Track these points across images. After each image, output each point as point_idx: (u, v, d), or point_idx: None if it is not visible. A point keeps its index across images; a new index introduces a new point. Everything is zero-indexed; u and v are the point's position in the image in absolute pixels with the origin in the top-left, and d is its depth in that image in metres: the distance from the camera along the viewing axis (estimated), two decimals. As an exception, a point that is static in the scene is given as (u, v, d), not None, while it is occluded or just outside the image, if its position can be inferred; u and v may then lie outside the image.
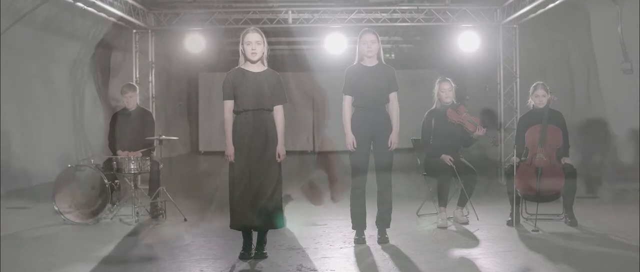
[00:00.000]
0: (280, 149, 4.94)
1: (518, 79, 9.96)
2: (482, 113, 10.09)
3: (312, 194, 8.51)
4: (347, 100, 5.43)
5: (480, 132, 6.27)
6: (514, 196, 6.13)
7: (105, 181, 6.47)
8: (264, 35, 4.96)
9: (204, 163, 13.98)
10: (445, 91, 6.45)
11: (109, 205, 6.52)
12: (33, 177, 9.28)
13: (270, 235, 5.12)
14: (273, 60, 5.35)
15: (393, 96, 5.44)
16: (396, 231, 5.81)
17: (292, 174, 10.59)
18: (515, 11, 9.19)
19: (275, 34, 11.66)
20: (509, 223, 6.19)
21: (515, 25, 9.91)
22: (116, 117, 7.27)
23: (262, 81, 4.92)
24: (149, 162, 6.79)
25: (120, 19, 9.26)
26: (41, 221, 6.62)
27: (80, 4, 8.13)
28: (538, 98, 6.29)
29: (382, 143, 5.38)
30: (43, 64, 9.69)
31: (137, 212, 6.66)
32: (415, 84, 11.46)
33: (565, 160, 6.16)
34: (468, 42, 9.89)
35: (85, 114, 10.86)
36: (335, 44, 10.17)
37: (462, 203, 6.46)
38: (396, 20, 10.00)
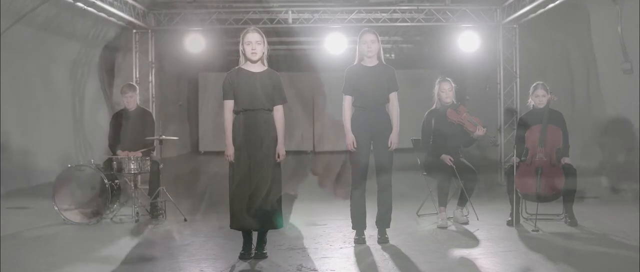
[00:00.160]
0: (280, 149, 4.94)
1: (518, 79, 9.96)
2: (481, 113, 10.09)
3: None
4: (347, 101, 5.43)
5: (480, 132, 6.27)
6: (514, 196, 6.13)
7: (105, 181, 6.47)
8: (264, 35, 4.97)
9: (204, 163, 13.97)
10: (445, 91, 6.45)
11: (109, 205, 6.52)
12: (33, 177, 9.29)
13: (270, 235, 5.12)
14: (273, 60, 5.34)
15: (393, 96, 5.44)
16: (396, 231, 5.81)
17: (291, 174, 10.60)
18: (515, 11, 9.19)
19: (275, 34, 11.66)
20: (509, 223, 6.19)
21: (515, 25, 9.92)
22: (116, 117, 7.27)
23: (262, 81, 4.92)
24: (149, 162, 6.79)
25: (120, 19, 9.26)
26: (41, 221, 6.62)
27: (80, 4, 8.13)
28: (538, 98, 6.30)
29: (382, 143, 5.38)
30: (43, 64, 9.69)
31: (137, 212, 6.66)
32: (415, 84, 11.47)
33: (565, 160, 6.16)
34: (468, 42, 9.89)
35: (85, 114, 10.86)
36: (335, 44, 10.17)
37: (462, 203, 6.46)
38: (396, 20, 10.00)
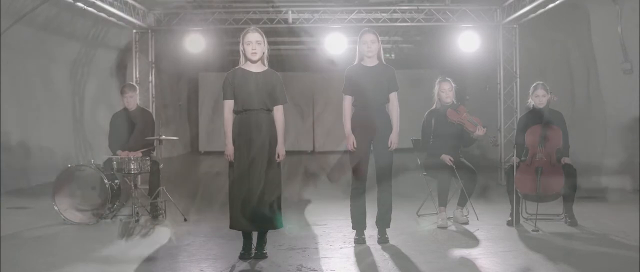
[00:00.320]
0: (280, 149, 4.94)
1: (518, 79, 9.96)
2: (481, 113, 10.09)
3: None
4: (347, 100, 5.43)
5: (481, 132, 6.27)
6: (514, 196, 6.13)
7: (105, 181, 6.47)
8: (264, 35, 4.96)
9: (204, 163, 13.98)
10: (445, 91, 6.45)
11: (109, 205, 6.52)
12: (33, 177, 9.29)
13: (270, 235, 5.12)
14: (273, 60, 5.35)
15: (393, 96, 5.44)
16: (396, 231, 5.81)
17: (291, 174, 10.60)
18: (515, 11, 9.19)
19: (275, 34, 11.66)
20: (509, 223, 6.19)
21: (515, 25, 9.91)
22: (116, 117, 7.27)
23: (262, 81, 4.92)
24: (149, 162, 6.79)
25: (120, 19, 9.26)
26: (41, 221, 6.61)
27: (80, 4, 8.13)
28: (538, 98, 6.29)
29: (382, 143, 5.38)
30: (43, 64, 9.69)
31: (137, 212, 6.66)
32: (415, 84, 11.48)
33: (565, 160, 6.16)
34: (468, 42, 9.89)
35: (85, 114, 10.86)
36: (335, 44, 10.17)
37: (462, 203, 6.46)
38: (396, 20, 10.00)
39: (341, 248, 5.31)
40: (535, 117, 6.27)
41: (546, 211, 6.30)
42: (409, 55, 14.46)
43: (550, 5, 8.35)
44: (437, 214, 6.31)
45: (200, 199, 8.34)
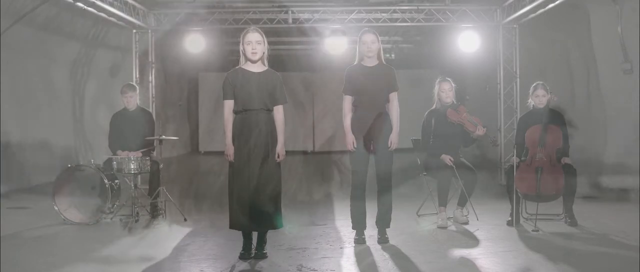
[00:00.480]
0: (280, 149, 4.94)
1: (518, 79, 9.96)
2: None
3: None
4: (347, 101, 5.43)
5: (481, 132, 6.27)
6: (514, 196, 6.13)
7: (105, 181, 6.47)
8: (264, 35, 4.96)
9: (204, 163, 13.97)
10: (445, 91, 6.45)
11: (109, 205, 6.52)
12: (33, 177, 9.29)
13: (270, 235, 5.12)
14: (273, 60, 5.35)
15: (393, 96, 5.44)
16: (396, 231, 5.81)
17: (291, 174, 10.60)
18: (515, 11, 9.19)
19: (275, 34, 11.66)
20: (509, 223, 6.19)
21: (515, 25, 9.91)
22: (116, 117, 7.27)
23: (263, 81, 4.92)
24: (149, 162, 6.79)
25: (120, 19, 9.26)
26: (41, 221, 6.62)
27: (80, 4, 8.13)
28: (538, 98, 6.29)
29: (382, 143, 5.38)
30: (43, 64, 9.68)
31: (137, 212, 6.66)
32: (415, 84, 11.48)
33: (565, 160, 6.16)
34: (468, 42, 9.89)
35: (85, 114, 10.86)
36: (335, 44, 10.17)
37: (462, 203, 6.46)
38: (396, 20, 9.99)
39: (341, 248, 5.31)
40: (535, 117, 6.27)
41: (546, 211, 6.30)
42: (409, 55, 14.46)
43: (550, 5, 8.34)
44: (437, 214, 6.31)
45: (200, 199, 8.34)
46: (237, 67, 4.99)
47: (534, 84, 6.39)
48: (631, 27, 7.95)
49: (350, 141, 5.35)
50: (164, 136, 6.90)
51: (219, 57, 13.27)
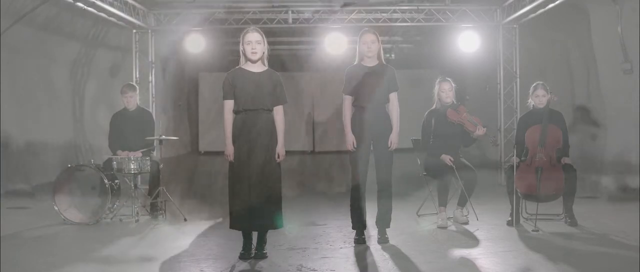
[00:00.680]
0: (280, 149, 4.94)
1: (518, 79, 9.96)
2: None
3: None
4: (347, 100, 5.43)
5: (481, 132, 6.27)
6: (514, 196, 6.13)
7: (105, 181, 6.47)
8: (263, 35, 4.97)
9: (204, 163, 13.97)
10: (445, 91, 6.45)
11: (109, 205, 6.52)
12: (33, 177, 9.28)
13: (270, 235, 5.12)
14: (273, 60, 5.35)
15: (393, 96, 5.44)
16: (396, 231, 5.81)
17: (291, 174, 10.60)
18: (515, 11, 9.19)
19: (275, 34, 11.66)
20: (509, 223, 6.19)
21: (515, 25, 9.91)
22: (116, 117, 7.27)
23: (263, 81, 4.92)
24: (149, 162, 6.79)
25: (120, 19, 9.26)
26: (41, 221, 6.62)
27: (80, 4, 8.13)
28: (538, 98, 6.29)
29: (382, 143, 5.38)
30: (43, 64, 9.68)
31: (137, 212, 6.66)
32: (415, 84, 11.48)
33: (565, 160, 6.16)
34: (468, 42, 9.89)
35: (85, 114, 10.86)
36: (335, 44, 10.16)
37: (462, 203, 6.46)
38: (396, 20, 9.99)
39: (341, 248, 5.31)
40: (535, 117, 6.27)
41: (546, 211, 6.30)
42: (409, 55, 14.46)
43: (550, 5, 8.34)
44: (437, 214, 6.31)
45: (200, 199, 8.34)
46: (237, 67, 4.99)
47: (534, 84, 6.39)
48: (631, 27, 7.95)
49: (350, 140, 5.35)
50: (164, 136, 6.90)
51: (219, 57, 13.26)
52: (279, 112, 5.00)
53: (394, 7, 9.91)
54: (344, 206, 5.72)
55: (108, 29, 10.41)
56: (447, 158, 6.29)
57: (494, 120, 10.03)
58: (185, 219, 6.69)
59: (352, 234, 5.54)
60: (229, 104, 4.93)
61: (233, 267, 4.70)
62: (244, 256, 4.89)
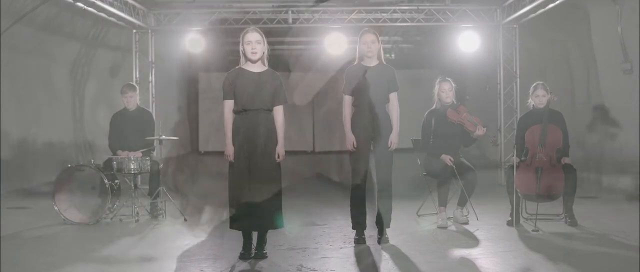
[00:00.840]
0: (280, 149, 4.94)
1: (518, 79, 9.96)
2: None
3: None
4: (347, 100, 5.43)
5: (481, 131, 6.27)
6: (514, 196, 6.13)
7: (105, 181, 6.47)
8: (263, 35, 4.96)
9: (204, 163, 13.97)
10: (445, 91, 6.45)
11: (109, 205, 6.52)
12: (33, 177, 9.29)
13: (270, 235, 5.11)
14: (273, 60, 5.35)
15: (393, 96, 5.44)
16: (396, 231, 5.81)
17: (291, 174, 10.60)
18: (515, 11, 9.19)
19: (275, 34, 11.66)
20: (509, 223, 6.19)
21: (515, 25, 9.92)
22: (116, 117, 7.27)
23: (263, 81, 4.92)
24: (149, 162, 6.79)
25: (120, 19, 9.26)
26: (41, 221, 6.62)
27: (80, 4, 8.13)
28: (538, 98, 6.29)
29: (382, 143, 5.37)
30: (43, 64, 9.69)
31: (137, 212, 6.66)
32: (415, 84, 11.46)
33: (565, 160, 6.16)
34: (468, 42, 9.89)
35: (85, 114, 10.86)
36: (335, 44, 10.16)
37: (462, 203, 6.46)
38: (396, 20, 10.00)
39: (341, 248, 5.31)
40: (535, 117, 6.27)
41: (546, 211, 6.30)
42: (409, 55, 14.44)
43: (550, 5, 8.35)
44: (437, 214, 6.31)
45: (200, 199, 8.34)
46: (237, 67, 4.99)
47: (534, 84, 6.39)
48: (631, 27, 7.95)
49: (350, 140, 5.35)
50: (164, 136, 6.90)
51: (219, 57, 13.25)
52: (279, 112, 5.00)
53: (394, 7, 9.91)
54: (344, 206, 5.71)
55: (108, 29, 10.42)
56: (447, 158, 6.29)
57: (494, 120, 10.04)
58: (185, 219, 6.69)
59: (352, 234, 5.54)
60: (229, 104, 4.93)
61: (233, 267, 4.70)
62: (244, 256, 4.89)
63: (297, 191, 9.00)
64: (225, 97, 4.93)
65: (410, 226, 6.30)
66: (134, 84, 8.24)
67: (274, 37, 11.95)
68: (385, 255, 5.06)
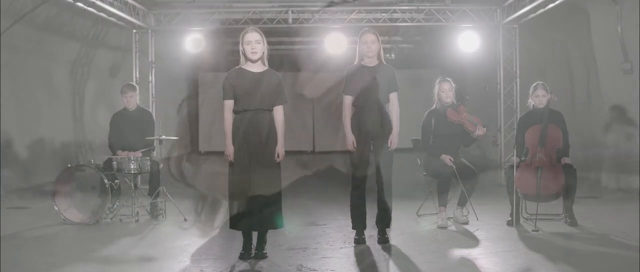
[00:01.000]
0: (280, 149, 4.94)
1: (518, 79, 9.96)
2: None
3: None
4: (347, 100, 5.43)
5: (481, 131, 6.27)
6: (514, 196, 6.13)
7: (105, 181, 6.47)
8: (263, 35, 4.96)
9: (204, 163, 13.97)
10: (445, 91, 6.45)
11: (109, 205, 6.52)
12: (33, 177, 9.29)
13: (270, 235, 5.11)
14: (273, 60, 5.35)
15: (393, 96, 5.44)
16: (396, 231, 5.81)
17: (291, 174, 10.60)
18: (515, 11, 9.19)
19: (275, 34, 11.66)
20: (509, 223, 6.19)
21: (515, 25, 9.92)
22: (116, 117, 7.27)
23: (263, 81, 4.92)
24: (149, 162, 6.79)
25: (120, 19, 9.26)
26: (41, 221, 6.62)
27: (80, 4, 8.13)
28: (538, 98, 6.29)
29: (382, 143, 5.37)
30: (43, 64, 9.68)
31: (137, 212, 6.66)
32: (415, 84, 11.46)
33: (565, 160, 6.16)
34: (468, 42, 9.89)
35: (85, 114, 10.86)
36: (335, 44, 10.16)
37: (462, 203, 6.46)
38: (396, 20, 9.99)
39: (341, 248, 5.31)
40: (535, 117, 6.27)
41: (546, 211, 6.30)
42: (409, 55, 14.44)
43: (550, 5, 8.35)
44: (437, 214, 6.31)
45: (201, 199, 8.34)
46: (237, 67, 4.99)
47: (534, 84, 6.39)
48: (631, 27, 7.95)
49: (350, 141, 5.35)
50: (164, 136, 6.90)
51: (219, 57, 13.24)
52: (279, 112, 5.00)
53: (394, 7, 9.91)
54: (344, 206, 5.71)
55: (108, 29, 10.41)
56: (447, 158, 6.29)
57: (494, 120, 10.04)
58: (185, 219, 6.69)
59: (352, 234, 5.54)
60: (229, 104, 4.93)
61: (233, 267, 4.70)
62: (244, 256, 4.89)
63: (297, 191, 8.99)
64: (225, 97, 4.93)
65: (410, 226, 6.30)
66: (134, 84, 8.24)
67: (274, 37, 11.95)
68: (385, 255, 5.06)
